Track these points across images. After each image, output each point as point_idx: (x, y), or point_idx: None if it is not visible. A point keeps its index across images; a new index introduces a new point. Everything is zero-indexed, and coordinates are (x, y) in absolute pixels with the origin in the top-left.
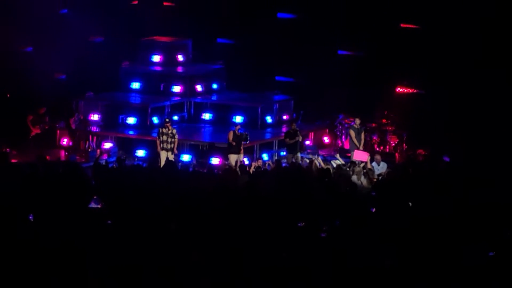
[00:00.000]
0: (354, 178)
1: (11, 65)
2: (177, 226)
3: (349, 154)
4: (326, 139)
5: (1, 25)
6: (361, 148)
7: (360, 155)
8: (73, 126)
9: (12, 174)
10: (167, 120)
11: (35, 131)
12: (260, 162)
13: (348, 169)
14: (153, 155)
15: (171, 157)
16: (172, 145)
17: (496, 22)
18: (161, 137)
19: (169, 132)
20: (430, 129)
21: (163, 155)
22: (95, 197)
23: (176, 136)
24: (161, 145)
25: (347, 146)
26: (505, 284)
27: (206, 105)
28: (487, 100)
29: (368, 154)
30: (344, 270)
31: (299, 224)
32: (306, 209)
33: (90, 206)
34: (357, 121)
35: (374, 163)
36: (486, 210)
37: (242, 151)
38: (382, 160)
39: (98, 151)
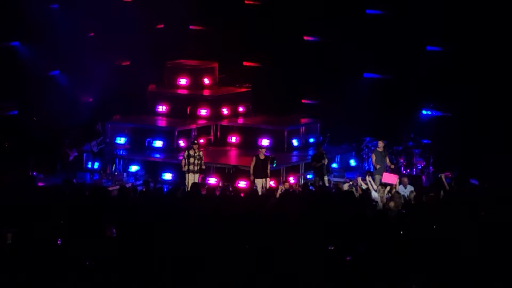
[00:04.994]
0: (375, 195)
1: (38, 89)
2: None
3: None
4: (352, 162)
5: (27, 49)
6: (390, 169)
7: (389, 178)
8: (95, 150)
9: (39, 198)
10: (195, 142)
11: (73, 154)
12: (287, 185)
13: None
14: (180, 179)
15: (197, 180)
16: (199, 167)
17: None
18: (187, 160)
19: (196, 154)
20: (457, 151)
21: (190, 178)
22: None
23: (202, 159)
24: (187, 167)
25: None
26: None
27: (232, 128)
28: None
29: (398, 176)
30: None
31: (329, 248)
32: (334, 233)
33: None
34: (380, 144)
35: (400, 186)
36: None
37: (268, 175)
38: (409, 183)
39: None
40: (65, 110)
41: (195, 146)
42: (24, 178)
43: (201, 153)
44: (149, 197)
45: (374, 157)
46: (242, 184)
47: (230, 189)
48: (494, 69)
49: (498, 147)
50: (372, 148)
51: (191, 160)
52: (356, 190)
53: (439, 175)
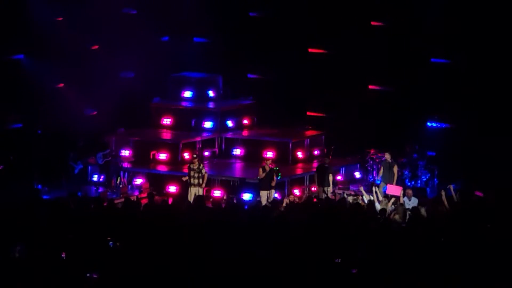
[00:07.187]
0: (378, 207)
1: (43, 102)
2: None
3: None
4: (357, 174)
5: (33, 62)
6: (394, 182)
7: (393, 190)
8: (100, 162)
9: (43, 210)
10: (195, 156)
11: (78, 167)
12: (292, 197)
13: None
14: (184, 191)
15: (199, 193)
16: (200, 180)
17: None
18: (189, 173)
19: (196, 168)
20: (461, 163)
21: (192, 191)
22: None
23: (204, 172)
24: (189, 181)
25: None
26: None
27: (237, 141)
28: None
29: (401, 188)
30: None
31: (336, 260)
32: (339, 245)
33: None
34: (387, 155)
35: (405, 198)
36: None
37: (274, 187)
38: (414, 195)
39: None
40: (70, 123)
41: (195, 160)
42: (29, 191)
43: (201, 166)
44: (154, 210)
45: (382, 169)
46: (247, 196)
47: (235, 201)
48: (498, 81)
49: (503, 158)
50: (378, 160)
51: (191, 173)
52: (361, 200)
53: (448, 187)
